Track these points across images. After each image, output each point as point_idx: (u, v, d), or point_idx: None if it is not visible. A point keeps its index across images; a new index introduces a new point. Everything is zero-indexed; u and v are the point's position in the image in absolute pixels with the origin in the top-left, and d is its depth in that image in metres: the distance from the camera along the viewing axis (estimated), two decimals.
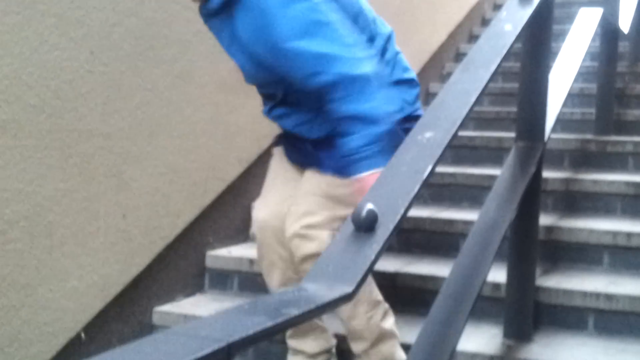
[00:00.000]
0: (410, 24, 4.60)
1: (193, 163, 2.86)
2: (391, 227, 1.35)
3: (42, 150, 2.23)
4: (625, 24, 4.03)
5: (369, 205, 1.35)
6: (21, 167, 2.16)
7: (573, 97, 4.21)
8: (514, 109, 3.87)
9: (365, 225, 1.34)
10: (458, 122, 1.64)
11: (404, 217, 1.39)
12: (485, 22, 5.74)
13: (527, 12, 2.06)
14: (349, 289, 1.21)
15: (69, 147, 2.32)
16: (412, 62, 2.34)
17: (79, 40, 2.35)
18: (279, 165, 2.29)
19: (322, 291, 1.19)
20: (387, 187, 1.45)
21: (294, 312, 1.06)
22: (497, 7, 5.87)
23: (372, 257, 1.28)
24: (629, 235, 2.67)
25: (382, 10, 2.52)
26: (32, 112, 2.19)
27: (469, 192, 3.21)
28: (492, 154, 3.50)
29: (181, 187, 2.82)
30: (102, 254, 2.47)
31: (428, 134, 1.60)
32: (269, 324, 0.99)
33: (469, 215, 2.92)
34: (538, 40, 2.37)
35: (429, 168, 1.48)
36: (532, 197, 2.37)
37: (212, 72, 2.90)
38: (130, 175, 2.57)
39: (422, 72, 4.76)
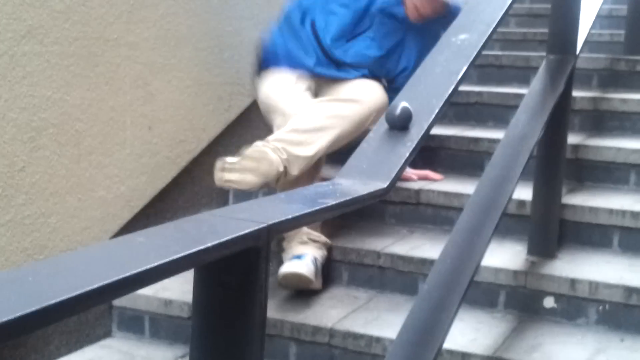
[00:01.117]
0: None
1: (218, 77, 2.84)
2: (425, 126, 1.34)
3: (69, 57, 2.22)
4: None
5: (403, 104, 1.34)
6: (48, 74, 2.15)
7: (601, 19, 4.10)
8: (541, 30, 3.80)
9: (400, 124, 1.33)
10: (493, 25, 1.61)
11: (438, 117, 1.38)
12: None
13: None
14: (383, 184, 1.21)
15: (95, 56, 2.30)
16: None
17: None
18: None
19: (357, 185, 1.18)
20: (421, 87, 1.44)
21: (330, 202, 1.06)
22: None
23: (407, 154, 1.28)
24: None
25: None
26: (58, 18, 2.17)
27: (495, 111, 3.18)
28: (519, 73, 3.44)
29: (206, 101, 2.81)
30: (129, 165, 2.48)
31: (462, 36, 1.57)
32: (307, 210, 0.99)
33: (494, 134, 2.89)
34: None
35: (464, 69, 1.46)
36: (562, 113, 2.33)
37: None
38: (156, 86, 2.55)
39: None
